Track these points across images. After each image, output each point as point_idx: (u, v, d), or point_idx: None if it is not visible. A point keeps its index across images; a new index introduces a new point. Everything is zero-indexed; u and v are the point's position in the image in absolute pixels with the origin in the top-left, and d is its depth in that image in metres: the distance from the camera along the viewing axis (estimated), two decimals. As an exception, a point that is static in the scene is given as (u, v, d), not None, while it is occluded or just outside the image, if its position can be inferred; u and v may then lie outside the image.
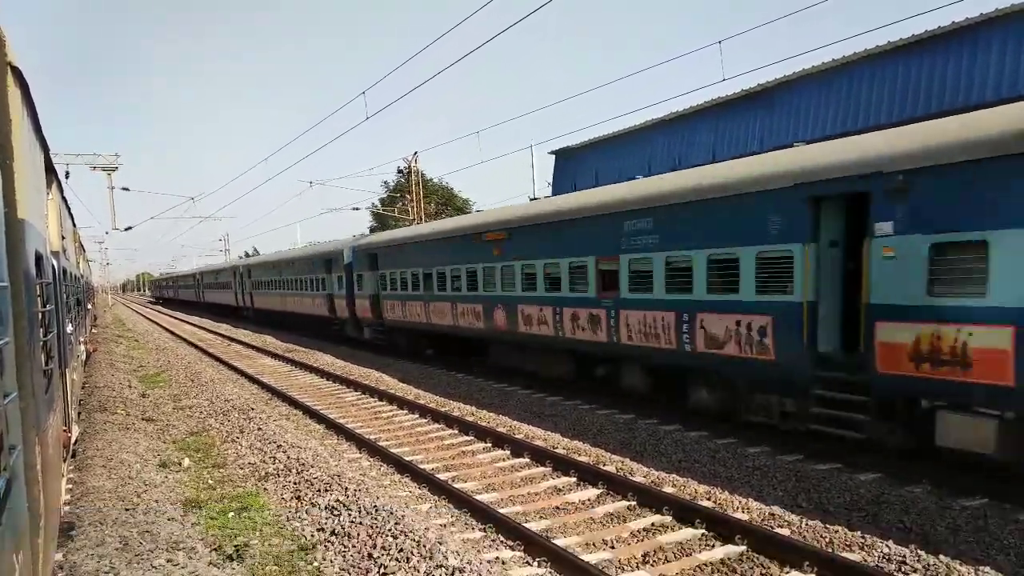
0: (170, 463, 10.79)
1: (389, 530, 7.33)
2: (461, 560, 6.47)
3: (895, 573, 6.17)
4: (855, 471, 9.07)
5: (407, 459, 10.69)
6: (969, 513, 7.40)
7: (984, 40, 18.82)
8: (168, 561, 6.61)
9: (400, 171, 58.64)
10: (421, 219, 41.87)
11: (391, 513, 7.83)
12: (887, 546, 6.71)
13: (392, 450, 11.30)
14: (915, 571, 6.24)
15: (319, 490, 9.04)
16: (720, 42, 16.43)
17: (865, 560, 6.52)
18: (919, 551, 6.54)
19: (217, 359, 25.68)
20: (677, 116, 28.94)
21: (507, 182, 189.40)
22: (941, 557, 6.41)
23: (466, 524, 8.12)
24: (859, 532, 7.10)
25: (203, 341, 33.49)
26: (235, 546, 7.22)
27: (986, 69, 18.69)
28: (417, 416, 14.29)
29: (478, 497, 8.79)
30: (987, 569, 6.14)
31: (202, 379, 20.10)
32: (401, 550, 6.79)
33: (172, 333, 39.62)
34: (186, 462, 10.94)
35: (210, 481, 10.00)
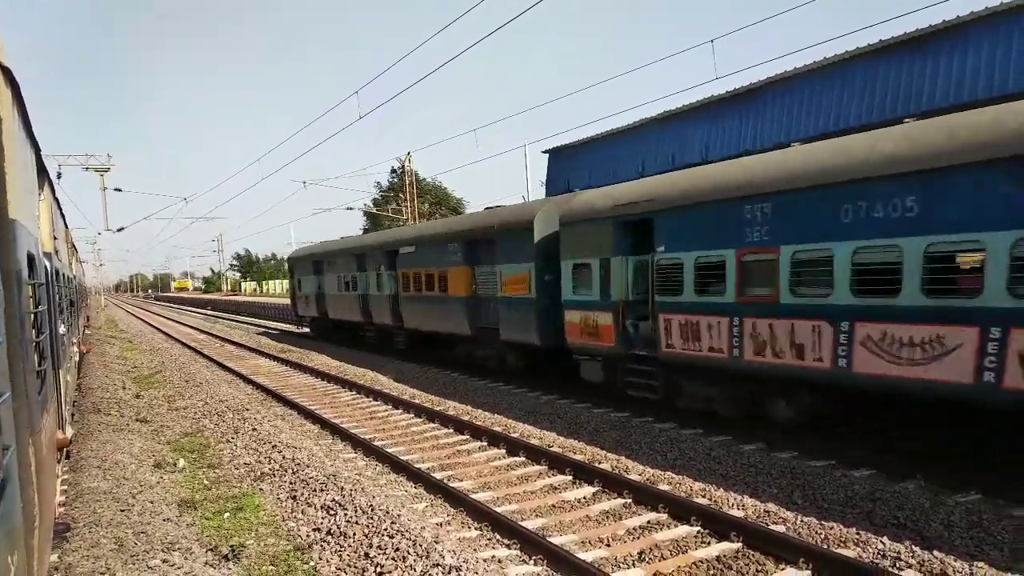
0: (165, 464, 10.75)
1: (385, 529, 7.32)
2: (457, 559, 6.47)
3: (890, 569, 6.19)
4: (849, 468, 9.11)
5: (403, 458, 10.68)
6: (963, 509, 7.43)
7: (975, 38, 18.91)
8: (164, 562, 6.59)
9: (394, 171, 58.72)
10: (415, 219, 41.81)
11: (387, 512, 7.82)
12: (882, 542, 6.73)
13: (388, 449, 11.30)
14: (910, 567, 6.27)
15: (315, 490, 9.02)
16: (712, 41, 16.50)
17: (860, 556, 6.54)
18: (914, 547, 6.57)
19: (211, 360, 25.61)
20: (671, 115, 28.99)
21: (502, 179, 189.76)
22: (935, 553, 6.44)
23: (462, 523, 8.12)
24: (854, 528, 7.13)
25: (197, 342, 33.40)
26: (231, 546, 7.20)
27: (977, 67, 18.78)
28: (412, 416, 14.28)
29: (474, 496, 8.80)
30: (981, 564, 6.16)
31: (196, 380, 20.04)
32: (397, 549, 6.78)
33: (166, 334, 39.50)
34: (181, 463, 10.91)
35: (205, 482, 9.97)
